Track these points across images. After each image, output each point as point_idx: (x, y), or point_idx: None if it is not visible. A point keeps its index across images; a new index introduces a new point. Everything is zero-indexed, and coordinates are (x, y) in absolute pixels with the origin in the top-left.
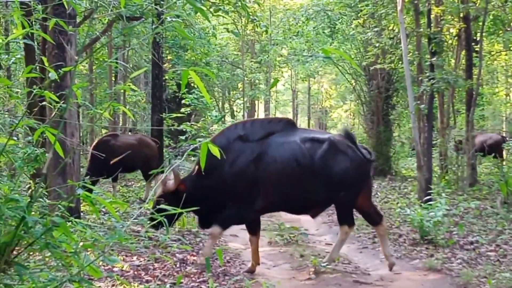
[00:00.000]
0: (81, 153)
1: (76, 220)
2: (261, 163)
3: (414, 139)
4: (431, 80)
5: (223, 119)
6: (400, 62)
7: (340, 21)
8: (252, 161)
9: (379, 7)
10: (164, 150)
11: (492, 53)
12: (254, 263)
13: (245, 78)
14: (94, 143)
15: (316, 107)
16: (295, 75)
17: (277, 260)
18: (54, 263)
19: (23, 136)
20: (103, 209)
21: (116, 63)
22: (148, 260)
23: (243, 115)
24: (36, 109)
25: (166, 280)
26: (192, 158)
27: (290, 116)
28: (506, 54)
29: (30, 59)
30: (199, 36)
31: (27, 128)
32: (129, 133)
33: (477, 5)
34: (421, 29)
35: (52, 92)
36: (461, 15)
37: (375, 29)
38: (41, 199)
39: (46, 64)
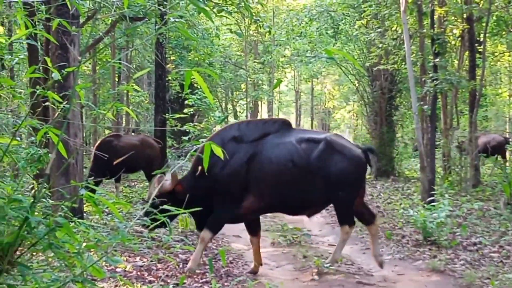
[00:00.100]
0: (84, 153)
1: (79, 220)
2: (255, 164)
3: (417, 140)
4: (434, 81)
5: (226, 119)
6: (403, 63)
7: (343, 21)
8: (246, 162)
9: (382, 8)
10: (167, 151)
11: (496, 54)
12: (256, 264)
13: (248, 79)
14: (97, 144)
15: (319, 107)
16: (298, 76)
17: (280, 261)
18: (57, 263)
19: (26, 137)
20: (106, 210)
21: (119, 63)
22: (151, 261)
23: (246, 116)
24: (39, 109)
25: (169, 281)
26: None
27: (293, 117)
28: (509, 55)
29: (33, 60)
30: (202, 37)
31: (30, 129)
32: (132, 133)
33: (480, 6)
34: (424, 30)
35: (55, 93)
36: (465, 16)
37: (378, 30)
38: (44, 200)
39: (49, 64)
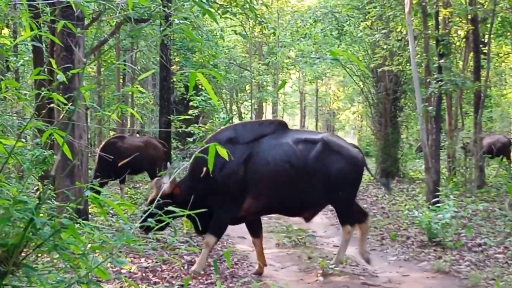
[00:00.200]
0: (89, 155)
1: (84, 222)
2: (252, 165)
3: (422, 141)
4: (439, 82)
5: (231, 121)
6: (408, 64)
7: (348, 23)
8: (243, 163)
9: (387, 9)
10: (172, 152)
11: (500, 55)
12: (261, 265)
13: (253, 80)
14: (101, 145)
15: (324, 109)
16: (303, 77)
17: (285, 262)
18: (62, 264)
19: (32, 138)
20: (111, 211)
21: (124, 65)
22: (156, 262)
23: (251, 117)
24: (44, 111)
25: (174, 282)
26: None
27: (298, 118)
28: None
29: (39, 61)
30: (207, 38)
31: (36, 130)
32: (137, 135)
33: (485, 7)
34: (429, 31)
35: (60, 94)
36: (469, 17)
37: (383, 31)
38: (49, 201)
39: (54, 66)
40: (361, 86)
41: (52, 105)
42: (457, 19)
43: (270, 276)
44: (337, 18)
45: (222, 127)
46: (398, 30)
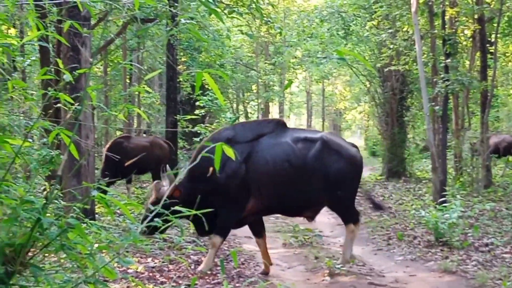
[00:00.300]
0: (96, 155)
1: (91, 221)
2: (252, 165)
3: (429, 141)
4: (446, 82)
5: (237, 120)
6: (415, 64)
7: (354, 22)
8: (243, 162)
9: (393, 9)
10: (178, 152)
11: (507, 54)
12: (266, 264)
13: (259, 80)
14: (107, 145)
15: (330, 108)
16: (309, 77)
17: (292, 262)
18: (69, 264)
19: (38, 138)
20: (118, 211)
21: (131, 65)
22: (163, 262)
23: (258, 117)
24: (51, 111)
25: (180, 282)
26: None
27: (304, 118)
28: None
29: (45, 61)
30: (213, 38)
31: (42, 130)
32: (144, 134)
33: (491, 6)
34: (436, 31)
35: (67, 94)
36: (476, 16)
37: (389, 31)
38: (56, 201)
39: (61, 66)
40: (368, 85)
41: (59, 105)
42: (464, 18)
43: (276, 276)
44: (344, 18)
45: (220, 128)
46: (404, 29)
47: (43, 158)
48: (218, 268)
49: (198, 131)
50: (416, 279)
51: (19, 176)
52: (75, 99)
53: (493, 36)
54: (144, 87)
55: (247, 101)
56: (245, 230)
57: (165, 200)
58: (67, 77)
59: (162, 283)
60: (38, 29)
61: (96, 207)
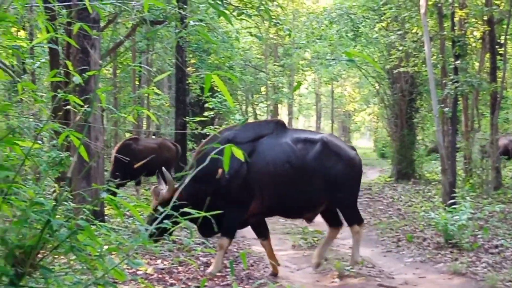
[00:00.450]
0: (105, 156)
1: (100, 223)
2: (253, 165)
3: (438, 143)
4: (455, 83)
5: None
6: (424, 65)
7: (363, 24)
8: (244, 162)
9: (403, 10)
10: (187, 154)
11: None
12: (274, 266)
13: (268, 82)
14: (116, 147)
15: (339, 110)
16: (318, 79)
17: (301, 264)
18: (79, 266)
19: (48, 140)
20: (127, 213)
21: (140, 67)
22: (172, 263)
23: (267, 119)
24: (60, 113)
25: (190, 283)
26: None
27: (313, 119)
28: None
29: (55, 63)
30: (222, 40)
31: (52, 132)
32: (153, 136)
33: (501, 8)
34: (445, 32)
35: (77, 96)
36: (485, 18)
37: (399, 32)
38: (66, 203)
39: (71, 68)
40: (377, 87)
41: (68, 107)
42: (473, 20)
43: (286, 278)
44: (353, 20)
45: (220, 129)
46: (413, 31)
47: (53, 160)
48: (228, 269)
49: (207, 133)
50: (426, 281)
51: (29, 178)
52: (85, 101)
53: (502, 37)
54: (153, 89)
55: (256, 103)
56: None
57: (166, 203)
58: (77, 79)
59: (171, 284)
60: (48, 31)
61: (105, 209)
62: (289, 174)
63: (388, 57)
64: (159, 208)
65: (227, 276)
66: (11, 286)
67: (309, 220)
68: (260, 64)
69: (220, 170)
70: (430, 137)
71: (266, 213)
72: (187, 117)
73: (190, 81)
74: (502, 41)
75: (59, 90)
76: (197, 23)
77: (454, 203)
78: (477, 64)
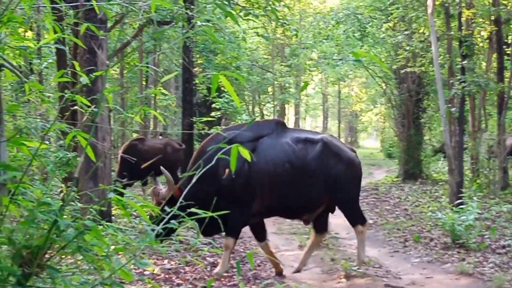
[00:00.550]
0: (112, 157)
1: (107, 223)
2: (254, 164)
3: (445, 143)
4: (462, 83)
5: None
6: (431, 65)
7: (370, 24)
8: (245, 161)
9: (410, 10)
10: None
11: None
12: (277, 265)
13: (275, 82)
14: (122, 148)
15: (346, 110)
16: (325, 79)
17: (308, 264)
18: (86, 266)
19: (55, 140)
20: (134, 213)
21: (147, 67)
22: (179, 264)
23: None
24: (67, 113)
25: (197, 284)
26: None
27: (320, 119)
28: None
29: (62, 64)
30: (229, 40)
31: (59, 132)
32: (160, 136)
33: (508, 7)
34: (452, 32)
35: (84, 97)
36: (492, 17)
37: (406, 32)
38: (73, 203)
39: (78, 68)
40: (384, 87)
41: (75, 107)
42: (480, 20)
43: (292, 278)
44: (360, 20)
45: (220, 130)
46: (420, 31)
47: (60, 160)
48: (234, 270)
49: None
50: (433, 281)
51: (36, 178)
52: (92, 101)
53: (509, 37)
54: (160, 89)
55: (263, 103)
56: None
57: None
58: (84, 79)
59: (178, 285)
60: (55, 32)
61: (112, 209)
62: (289, 173)
63: (395, 57)
64: (166, 208)
65: (234, 276)
66: (18, 286)
67: (307, 222)
68: (267, 64)
69: (227, 170)
70: (437, 137)
71: (266, 213)
72: (194, 117)
73: (197, 81)
74: (509, 41)
75: (66, 91)
76: (204, 23)
77: (461, 203)
78: (484, 64)
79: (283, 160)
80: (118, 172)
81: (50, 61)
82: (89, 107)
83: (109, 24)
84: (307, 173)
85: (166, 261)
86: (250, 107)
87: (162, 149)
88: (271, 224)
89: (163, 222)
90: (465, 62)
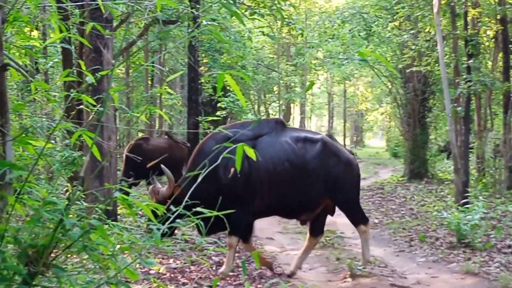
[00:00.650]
0: (118, 156)
1: (113, 223)
2: (253, 163)
3: (451, 142)
4: (468, 83)
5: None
6: (437, 65)
7: (376, 23)
8: (245, 158)
9: (415, 10)
10: None
11: None
12: (268, 263)
13: (281, 81)
14: (126, 147)
15: (352, 110)
16: (331, 78)
17: (313, 263)
18: (92, 265)
19: (61, 140)
20: (140, 212)
21: (153, 66)
22: (185, 263)
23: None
24: (73, 112)
25: (202, 283)
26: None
27: (325, 119)
28: None
29: (68, 63)
30: (234, 40)
31: (65, 132)
32: (165, 136)
33: None
34: (458, 31)
35: (89, 96)
36: (498, 17)
37: (411, 32)
38: (78, 202)
39: (83, 68)
40: (390, 86)
41: (81, 106)
42: (486, 19)
43: (298, 277)
44: (365, 19)
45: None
46: (426, 30)
47: (66, 160)
48: (240, 269)
49: None
50: (438, 280)
51: (41, 177)
52: (97, 101)
53: None
54: (165, 89)
55: (268, 103)
56: (267, 231)
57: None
58: (89, 78)
59: (183, 284)
60: (61, 31)
61: (118, 208)
62: (289, 172)
63: (401, 57)
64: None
65: (240, 276)
66: (24, 285)
67: (304, 222)
68: (272, 64)
69: (232, 169)
70: (443, 137)
71: (266, 212)
72: (200, 117)
73: (202, 80)
74: None
75: (72, 90)
76: (209, 22)
77: (467, 203)
78: (490, 63)
79: (282, 158)
80: (123, 172)
81: (56, 60)
82: (94, 106)
83: (114, 23)
84: (306, 172)
85: (171, 260)
86: (256, 107)
87: (166, 148)
88: (276, 223)
89: (168, 221)
90: (471, 61)
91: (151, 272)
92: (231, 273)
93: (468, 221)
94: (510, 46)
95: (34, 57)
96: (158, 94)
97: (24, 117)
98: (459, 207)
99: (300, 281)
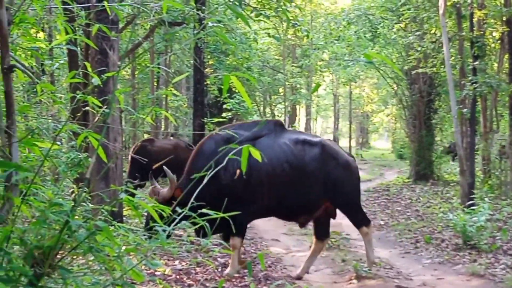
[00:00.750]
0: (124, 157)
1: (119, 224)
2: (253, 164)
3: (457, 144)
4: (474, 84)
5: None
6: (442, 66)
7: (381, 25)
8: None
9: (421, 11)
10: None
11: None
12: (242, 262)
13: (286, 83)
14: (132, 149)
15: (357, 111)
16: (337, 80)
17: (319, 265)
18: (97, 267)
19: (67, 141)
20: (146, 213)
21: (158, 68)
22: (190, 264)
23: (285, 120)
24: (79, 114)
25: (208, 284)
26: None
27: (331, 120)
28: None
29: (73, 65)
30: (240, 41)
31: (71, 133)
32: (171, 137)
33: None
34: (464, 33)
35: (95, 97)
36: (504, 18)
37: (417, 33)
38: (84, 204)
39: (89, 69)
40: (395, 88)
41: (87, 108)
42: (492, 20)
43: (304, 279)
44: (371, 20)
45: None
46: (432, 32)
47: (72, 161)
48: (245, 270)
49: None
50: (444, 282)
51: (47, 178)
52: (103, 102)
53: None
54: (171, 90)
55: (274, 104)
56: (272, 232)
57: (167, 202)
58: (95, 80)
59: (189, 285)
60: (67, 33)
61: (124, 209)
62: (288, 174)
63: (407, 58)
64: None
65: (245, 277)
66: (30, 286)
67: (303, 225)
68: (278, 65)
69: (238, 171)
70: (449, 138)
71: (265, 213)
72: (205, 118)
73: (208, 82)
74: None
75: (78, 91)
76: (215, 24)
77: (472, 204)
78: (496, 65)
79: (281, 160)
80: (129, 173)
81: (62, 62)
82: (100, 108)
83: (120, 25)
84: (305, 174)
85: (177, 262)
86: (261, 108)
87: (171, 150)
88: (281, 225)
89: (174, 223)
90: (477, 63)
91: (157, 273)
92: (237, 275)
93: (474, 222)
94: None
95: (40, 58)
96: (164, 96)
97: (30, 119)
98: (465, 209)
99: (305, 283)
